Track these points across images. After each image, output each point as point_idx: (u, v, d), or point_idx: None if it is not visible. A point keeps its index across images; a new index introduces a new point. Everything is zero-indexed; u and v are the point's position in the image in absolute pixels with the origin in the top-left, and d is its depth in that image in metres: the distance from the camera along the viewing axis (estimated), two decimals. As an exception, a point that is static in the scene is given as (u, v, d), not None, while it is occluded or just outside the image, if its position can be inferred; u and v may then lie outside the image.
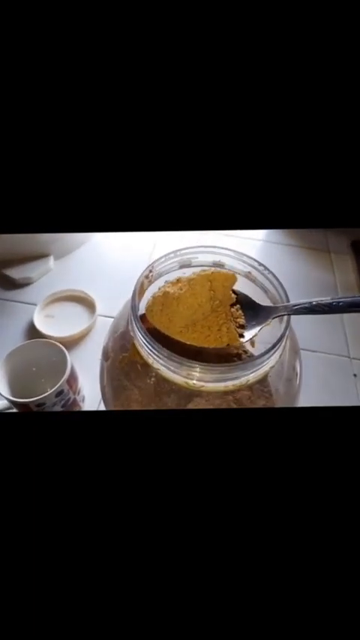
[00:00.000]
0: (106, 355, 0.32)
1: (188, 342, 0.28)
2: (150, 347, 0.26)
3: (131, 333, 0.28)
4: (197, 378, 0.25)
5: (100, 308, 0.60)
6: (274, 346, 0.25)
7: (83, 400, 0.53)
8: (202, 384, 0.25)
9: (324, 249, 0.69)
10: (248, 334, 0.29)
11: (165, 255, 0.30)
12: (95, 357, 0.56)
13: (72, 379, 0.48)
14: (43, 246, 0.64)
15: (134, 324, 0.27)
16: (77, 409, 0.52)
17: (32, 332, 0.58)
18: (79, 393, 0.51)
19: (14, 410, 0.49)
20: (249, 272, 0.31)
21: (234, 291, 0.30)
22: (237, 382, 0.25)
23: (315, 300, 0.27)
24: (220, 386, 0.25)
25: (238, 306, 0.30)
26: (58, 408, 0.48)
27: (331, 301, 0.26)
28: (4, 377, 0.47)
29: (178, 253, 0.31)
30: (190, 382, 0.26)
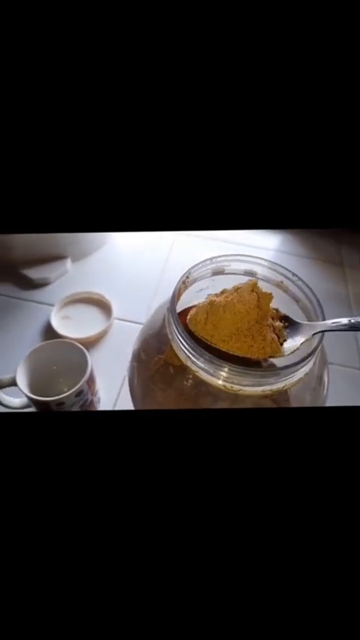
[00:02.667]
0: (137, 357, 0.33)
1: (231, 352, 0.28)
2: (190, 350, 0.26)
3: (169, 336, 0.28)
4: (235, 381, 0.26)
5: (116, 311, 0.61)
6: (309, 354, 0.26)
7: (99, 402, 0.53)
8: (239, 387, 0.26)
9: (337, 261, 0.70)
10: (289, 348, 0.30)
11: (202, 262, 0.31)
12: (111, 360, 0.57)
13: (91, 380, 0.49)
14: (60, 248, 0.65)
15: (173, 327, 0.27)
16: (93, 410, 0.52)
17: (49, 332, 0.59)
18: (96, 395, 0.52)
19: (31, 409, 0.49)
20: (281, 281, 0.32)
21: (276, 310, 0.32)
22: (274, 387, 0.26)
23: (354, 318, 0.29)
24: (258, 390, 0.26)
25: (281, 323, 0.31)
26: (76, 408, 0.48)
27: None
28: (25, 375, 0.47)
29: (214, 260, 0.32)
30: (228, 385, 0.26)
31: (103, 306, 0.62)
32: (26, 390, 0.46)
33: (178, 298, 0.30)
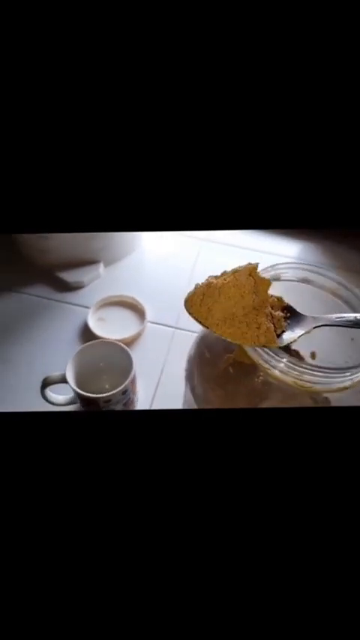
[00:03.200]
0: (201, 356, 0.35)
1: (223, 337, 0.28)
2: (266, 349, 0.29)
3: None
4: (308, 379, 0.29)
5: (149, 314, 0.63)
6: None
7: (137, 401, 0.56)
8: (310, 385, 0.29)
9: (358, 269, 0.73)
10: (287, 339, 0.29)
11: (262, 270, 0.34)
12: (146, 361, 0.59)
13: (133, 380, 0.51)
14: (94, 253, 0.68)
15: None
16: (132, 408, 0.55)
17: (86, 333, 0.61)
18: (136, 394, 0.54)
19: (74, 405, 0.52)
20: (336, 289, 0.35)
21: (279, 299, 0.31)
22: (348, 383, 0.29)
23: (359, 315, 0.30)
24: (333, 386, 0.29)
25: (282, 313, 0.31)
26: (120, 406, 0.50)
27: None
28: (73, 372, 0.49)
29: (276, 267, 0.34)
30: (299, 382, 0.29)
31: (136, 310, 0.64)
32: (76, 387, 0.48)
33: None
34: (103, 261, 0.69)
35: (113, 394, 0.48)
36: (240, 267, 0.29)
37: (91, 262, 0.68)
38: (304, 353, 0.44)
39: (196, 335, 0.42)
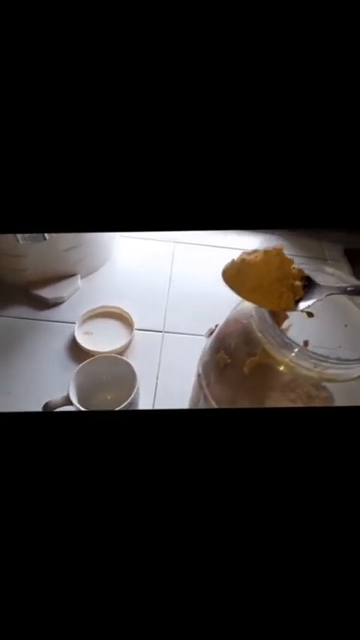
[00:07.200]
0: (222, 362, 0.36)
1: (251, 301, 0.34)
2: (289, 349, 0.31)
3: (264, 340, 0.33)
4: (331, 373, 0.31)
5: (136, 322, 0.63)
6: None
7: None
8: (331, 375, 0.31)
9: (320, 257, 0.78)
10: (303, 305, 0.34)
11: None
12: (141, 369, 0.60)
13: (137, 390, 0.51)
14: (70, 266, 0.66)
15: (270, 332, 0.32)
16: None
17: (75, 349, 0.60)
18: (138, 404, 0.54)
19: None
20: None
21: (300, 270, 0.36)
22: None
23: None
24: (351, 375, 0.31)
25: (300, 283, 0.35)
26: (127, 419, 0.50)
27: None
28: (75, 392, 0.49)
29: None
30: (323, 375, 0.31)
31: (123, 318, 0.64)
32: (81, 407, 0.47)
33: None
34: (80, 274, 0.67)
35: (123, 407, 0.48)
36: (268, 247, 0.36)
37: (68, 276, 0.66)
38: (298, 341, 0.46)
39: (203, 339, 0.43)
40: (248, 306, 0.36)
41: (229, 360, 0.36)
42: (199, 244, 0.77)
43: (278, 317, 0.36)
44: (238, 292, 0.34)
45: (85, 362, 0.50)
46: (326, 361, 0.30)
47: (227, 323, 0.38)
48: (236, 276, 0.35)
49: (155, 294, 0.69)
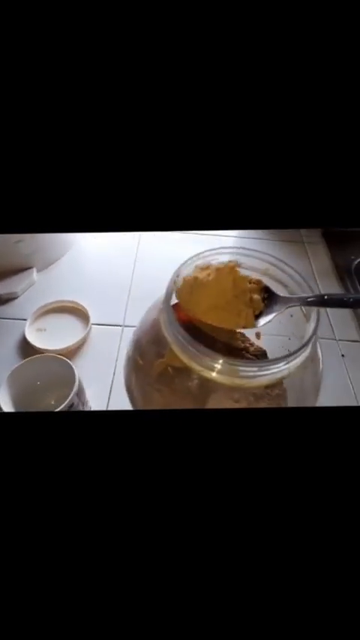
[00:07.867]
0: (134, 364, 0.33)
1: (209, 322, 0.32)
2: (193, 350, 0.27)
3: (169, 339, 0.28)
4: (242, 375, 0.26)
5: (92, 316, 0.60)
6: (309, 339, 0.27)
7: (90, 409, 0.53)
8: (246, 380, 0.27)
9: (298, 240, 0.72)
10: (263, 320, 0.32)
11: (189, 259, 0.31)
12: (96, 366, 0.56)
13: (80, 391, 0.48)
14: (24, 259, 0.63)
15: (173, 329, 0.27)
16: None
17: (25, 347, 0.57)
18: (86, 404, 0.51)
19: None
20: (267, 269, 0.32)
21: (258, 282, 0.33)
22: (278, 375, 0.27)
23: (327, 294, 0.30)
24: (263, 381, 0.27)
25: (259, 296, 0.32)
26: (69, 421, 0.47)
27: (342, 297, 0.30)
28: (7, 394, 0.46)
29: (200, 256, 0.32)
30: (237, 381, 0.27)
31: (79, 314, 0.61)
32: (9, 409, 0.44)
33: (171, 299, 0.30)
34: (35, 267, 0.64)
35: (62, 409, 0.45)
36: (221, 264, 0.33)
37: (23, 269, 0.63)
38: (250, 335, 0.42)
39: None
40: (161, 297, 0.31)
41: (140, 361, 0.32)
42: (164, 233, 0.73)
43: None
44: (194, 314, 0.32)
45: (16, 365, 0.47)
46: (234, 364, 0.26)
47: (146, 316, 0.34)
48: (190, 295, 0.32)
49: (117, 286, 0.65)
